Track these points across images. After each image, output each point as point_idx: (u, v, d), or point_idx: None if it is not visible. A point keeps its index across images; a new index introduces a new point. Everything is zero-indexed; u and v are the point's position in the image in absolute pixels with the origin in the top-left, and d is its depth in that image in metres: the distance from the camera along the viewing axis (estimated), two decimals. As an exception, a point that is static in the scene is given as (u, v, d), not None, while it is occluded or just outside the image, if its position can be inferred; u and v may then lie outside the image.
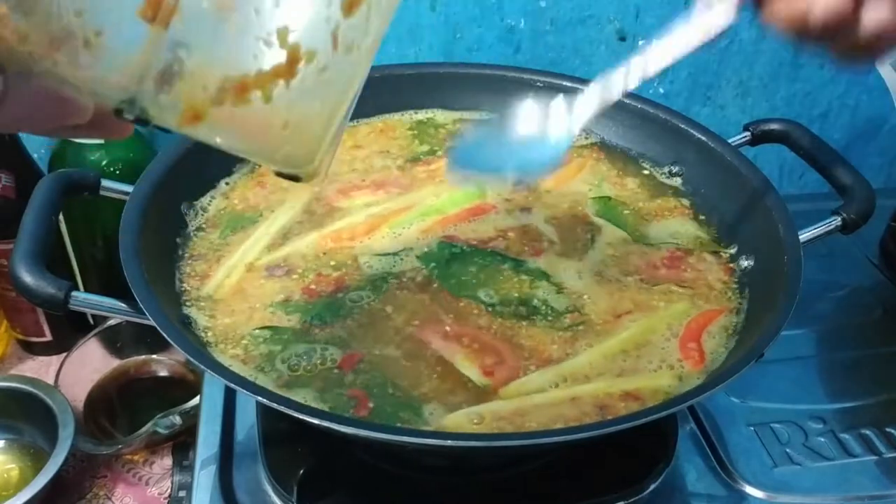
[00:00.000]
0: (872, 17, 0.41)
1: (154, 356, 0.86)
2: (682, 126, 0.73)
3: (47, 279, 0.50)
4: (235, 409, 0.67)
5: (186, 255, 0.63)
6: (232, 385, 0.48)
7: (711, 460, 0.65)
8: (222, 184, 0.70)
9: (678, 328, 0.59)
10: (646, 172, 0.74)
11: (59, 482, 0.72)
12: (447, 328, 0.58)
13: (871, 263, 0.89)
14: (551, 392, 0.54)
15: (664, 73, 0.97)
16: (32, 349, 0.89)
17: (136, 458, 0.79)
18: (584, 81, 0.77)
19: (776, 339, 0.52)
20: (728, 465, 0.65)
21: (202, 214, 0.67)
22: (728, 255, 0.65)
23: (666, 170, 0.74)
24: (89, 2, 0.29)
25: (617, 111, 0.76)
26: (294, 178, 0.35)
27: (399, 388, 0.54)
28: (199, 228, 0.66)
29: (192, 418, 0.73)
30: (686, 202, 0.71)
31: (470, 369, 0.55)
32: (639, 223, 0.68)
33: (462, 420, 0.52)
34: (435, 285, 0.61)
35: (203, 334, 0.57)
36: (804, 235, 0.61)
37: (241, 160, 0.72)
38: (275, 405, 0.46)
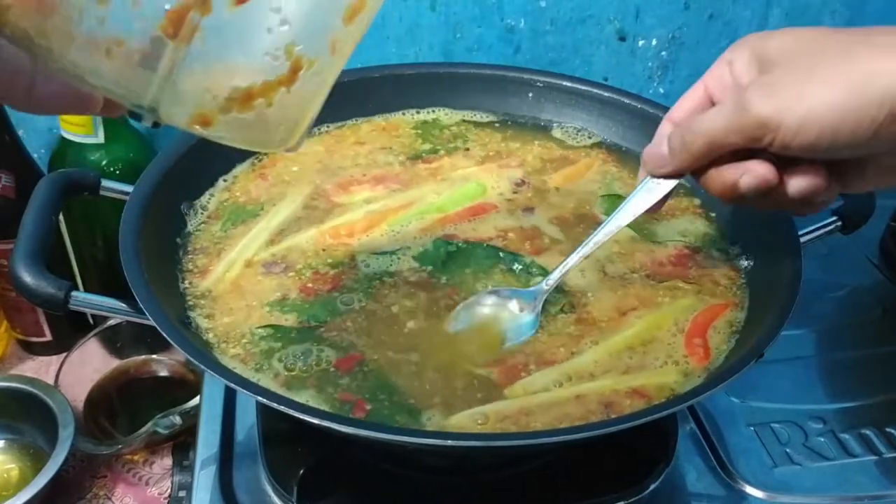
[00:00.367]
0: (796, 186, 0.45)
1: (154, 356, 0.86)
2: (683, 126, 0.73)
3: (47, 279, 0.50)
4: (235, 409, 0.67)
5: (189, 248, 0.63)
6: (232, 385, 0.48)
7: (711, 460, 0.65)
8: (221, 181, 0.70)
9: (684, 324, 0.59)
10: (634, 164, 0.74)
11: (59, 482, 0.72)
12: (443, 326, 0.58)
13: (871, 263, 0.89)
14: (556, 391, 0.54)
15: (664, 73, 0.97)
16: (32, 349, 0.89)
17: (136, 458, 0.79)
18: (585, 81, 0.78)
19: (776, 339, 0.52)
20: (728, 465, 0.65)
21: (202, 212, 0.67)
22: (734, 252, 0.65)
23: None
24: (111, 11, 0.30)
25: (617, 111, 0.76)
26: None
27: (397, 391, 0.54)
28: (201, 222, 0.66)
29: (192, 418, 0.73)
30: (697, 201, 0.70)
31: (474, 367, 0.55)
32: (647, 221, 0.68)
33: (466, 421, 0.52)
34: (432, 283, 0.61)
35: (203, 334, 0.57)
36: (804, 235, 0.61)
37: (240, 161, 0.72)
38: (275, 405, 0.46)
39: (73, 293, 0.51)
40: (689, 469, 0.64)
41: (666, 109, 0.74)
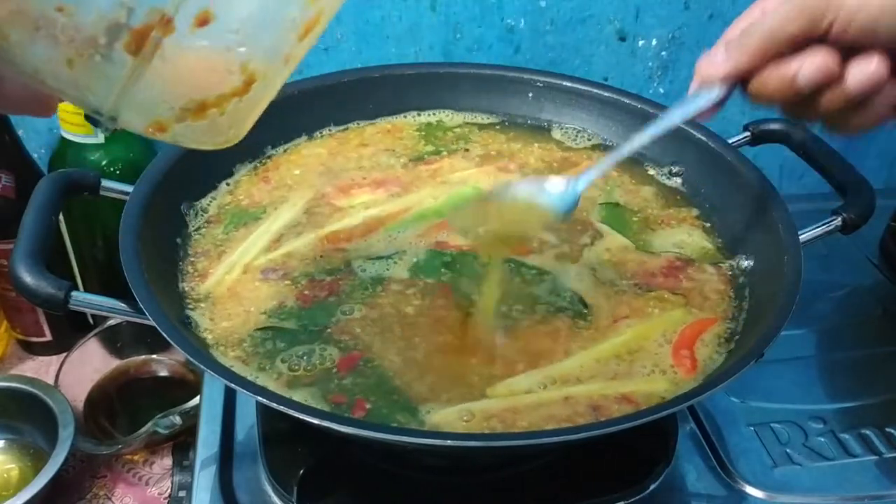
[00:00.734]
0: (857, 76, 0.43)
1: (154, 356, 0.86)
2: (682, 126, 0.72)
3: (47, 279, 0.50)
4: (235, 409, 0.67)
5: (189, 252, 0.63)
6: (232, 385, 0.48)
7: (711, 460, 0.65)
8: (223, 185, 0.70)
9: (672, 335, 0.59)
10: (651, 172, 0.74)
11: (59, 482, 0.72)
12: (437, 329, 0.58)
13: (871, 263, 0.89)
14: (541, 392, 0.54)
15: (664, 73, 0.97)
16: (32, 349, 0.89)
17: (136, 458, 0.79)
18: (585, 81, 0.78)
19: (776, 340, 0.52)
20: (728, 465, 0.65)
21: (203, 214, 0.67)
22: (729, 265, 0.65)
23: (666, 170, 0.74)
24: (75, 22, 0.31)
25: (617, 111, 0.76)
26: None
27: (395, 391, 0.54)
28: (202, 225, 0.66)
29: (192, 418, 0.73)
30: (696, 212, 0.70)
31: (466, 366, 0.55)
32: (644, 231, 0.68)
33: (453, 416, 0.52)
34: (427, 291, 0.61)
35: (204, 335, 0.57)
36: (804, 235, 0.61)
37: (241, 161, 0.72)
38: (275, 405, 0.46)
39: (73, 293, 0.51)
40: (689, 469, 0.64)
41: (666, 109, 0.75)
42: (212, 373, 0.48)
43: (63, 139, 0.78)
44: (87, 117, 0.36)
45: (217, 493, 0.61)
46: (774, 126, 0.72)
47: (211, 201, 0.68)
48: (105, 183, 0.62)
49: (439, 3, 0.88)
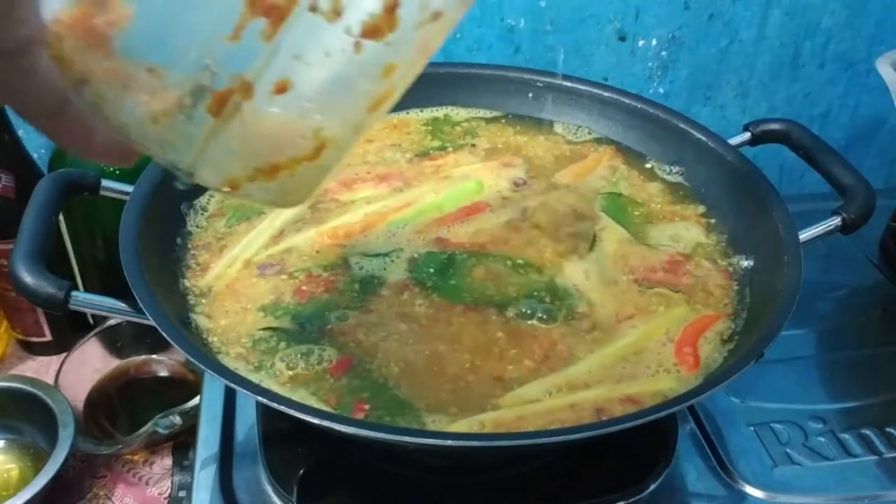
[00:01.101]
0: None
1: (154, 356, 0.86)
2: (683, 126, 0.73)
3: (47, 279, 0.50)
4: (235, 409, 0.67)
5: (190, 245, 0.63)
6: (232, 385, 0.48)
7: (711, 460, 0.65)
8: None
9: (675, 333, 0.58)
10: (648, 166, 0.74)
11: (59, 482, 0.72)
12: (438, 332, 0.57)
13: (871, 263, 0.89)
14: (549, 400, 0.53)
15: (664, 73, 0.97)
16: (32, 349, 0.89)
17: (136, 458, 0.79)
18: (585, 81, 0.78)
19: (776, 340, 0.52)
20: (728, 465, 0.65)
21: (203, 212, 0.67)
22: (728, 262, 0.65)
23: (666, 170, 0.74)
24: (163, 83, 0.33)
25: (617, 111, 0.77)
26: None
27: (393, 395, 0.54)
28: (205, 219, 0.66)
29: (192, 418, 0.73)
30: (702, 209, 0.70)
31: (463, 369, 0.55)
32: (643, 224, 0.68)
33: (463, 429, 0.51)
34: (425, 291, 0.61)
35: (205, 335, 0.56)
36: (804, 235, 0.61)
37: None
38: (275, 405, 0.46)
39: (73, 293, 0.51)
40: (689, 469, 0.64)
41: (666, 109, 0.75)
42: (212, 373, 0.48)
43: (63, 139, 0.78)
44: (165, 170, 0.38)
45: (217, 493, 0.61)
46: (774, 126, 0.72)
47: (210, 198, 0.68)
48: (105, 183, 0.62)
49: (439, 3, 0.88)
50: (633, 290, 0.62)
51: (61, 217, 0.81)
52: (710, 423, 0.68)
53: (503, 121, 0.79)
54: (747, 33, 0.96)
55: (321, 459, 0.61)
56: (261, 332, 0.57)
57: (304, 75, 0.34)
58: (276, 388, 0.53)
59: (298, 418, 0.46)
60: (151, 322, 0.50)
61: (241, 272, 0.62)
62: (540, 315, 0.59)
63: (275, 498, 0.60)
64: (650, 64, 0.97)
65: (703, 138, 0.71)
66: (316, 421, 0.46)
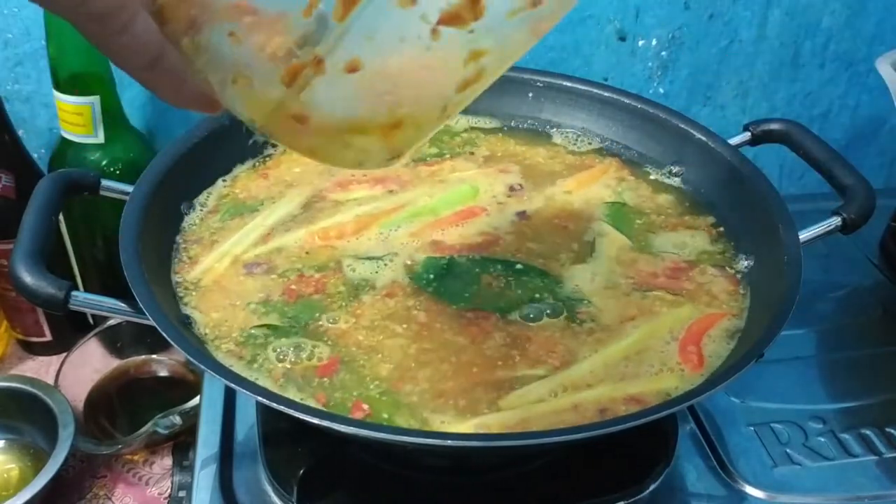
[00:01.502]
0: None
1: (154, 356, 0.86)
2: (682, 126, 0.73)
3: (47, 279, 0.50)
4: (235, 409, 0.67)
5: (182, 240, 0.63)
6: (232, 385, 0.48)
7: (711, 460, 0.65)
8: (219, 181, 0.70)
9: (679, 332, 0.58)
10: (652, 175, 0.74)
11: (59, 482, 0.72)
12: (431, 336, 0.57)
13: (871, 263, 0.89)
14: (552, 401, 0.53)
15: (664, 73, 0.97)
16: (32, 349, 0.89)
17: (136, 458, 0.79)
18: (585, 81, 0.78)
19: (776, 340, 0.52)
20: (728, 465, 0.65)
21: (201, 209, 0.67)
22: (730, 266, 0.64)
23: (666, 170, 0.74)
24: (244, 56, 0.35)
25: (617, 111, 0.76)
26: None
27: (392, 397, 0.53)
28: (202, 216, 0.66)
29: (192, 418, 0.73)
30: (711, 220, 0.69)
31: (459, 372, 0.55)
32: (646, 233, 0.68)
33: (468, 431, 0.51)
34: (424, 295, 0.60)
35: (202, 333, 0.56)
36: (804, 235, 0.61)
37: (241, 161, 0.72)
38: (275, 405, 0.46)
39: (73, 293, 0.51)
40: (689, 469, 0.64)
41: (666, 109, 0.75)
42: (212, 373, 0.48)
43: (63, 139, 0.78)
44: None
45: (217, 493, 0.61)
46: (774, 126, 0.72)
47: (208, 196, 0.68)
48: (105, 183, 0.62)
49: (439, 3, 0.88)
50: (633, 293, 0.62)
51: (61, 217, 0.81)
52: (710, 423, 0.68)
53: (501, 133, 0.79)
54: (747, 33, 0.96)
55: (321, 459, 0.61)
56: (252, 329, 0.57)
57: (376, 57, 0.34)
58: (270, 386, 0.53)
59: (298, 418, 0.46)
60: (151, 322, 0.50)
61: (229, 269, 0.62)
62: (540, 317, 0.59)
63: (275, 498, 0.60)
64: (650, 64, 0.97)
65: (704, 138, 0.71)
66: (316, 421, 0.46)
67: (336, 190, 0.70)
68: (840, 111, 1.05)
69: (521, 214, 0.69)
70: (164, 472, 0.78)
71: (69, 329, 0.87)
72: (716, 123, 0.99)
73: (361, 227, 0.66)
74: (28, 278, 0.50)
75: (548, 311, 0.59)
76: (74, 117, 0.76)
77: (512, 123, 0.79)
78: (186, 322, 0.57)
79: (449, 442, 0.47)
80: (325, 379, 0.54)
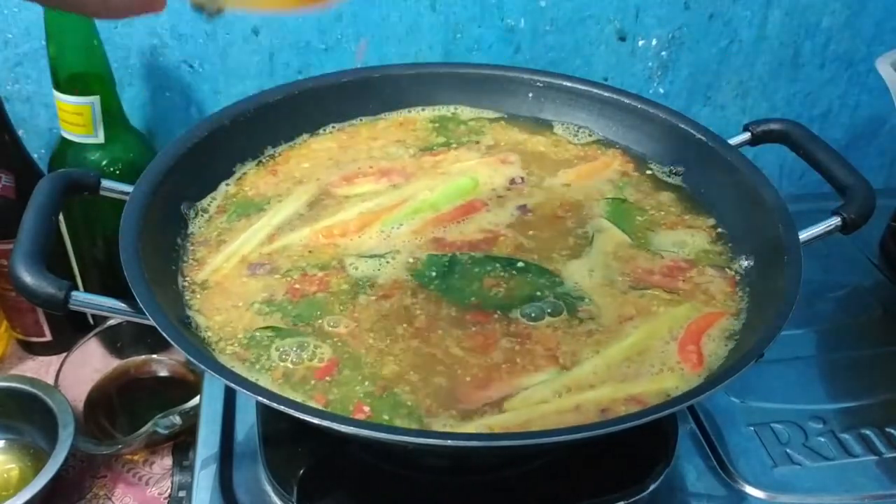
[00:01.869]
0: None
1: (154, 356, 0.86)
2: (683, 126, 0.73)
3: (47, 279, 0.50)
4: (235, 409, 0.67)
5: (190, 243, 0.63)
6: (232, 385, 0.48)
7: (711, 460, 0.65)
8: (223, 185, 0.69)
9: (678, 331, 0.58)
10: (656, 174, 0.74)
11: (59, 482, 0.72)
12: (434, 335, 0.57)
13: (871, 263, 0.89)
14: (556, 402, 0.53)
15: (664, 73, 0.97)
16: (32, 349, 0.89)
17: (136, 458, 0.79)
18: (585, 81, 0.78)
19: (776, 340, 0.52)
20: (728, 465, 0.65)
21: (203, 214, 0.67)
22: (730, 266, 0.64)
23: (666, 170, 0.74)
24: None
25: (617, 111, 0.76)
26: None
27: (394, 397, 0.53)
28: (209, 217, 0.66)
29: (192, 418, 0.73)
30: (711, 221, 0.68)
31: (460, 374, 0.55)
32: (646, 230, 0.68)
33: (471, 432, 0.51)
34: (427, 293, 0.60)
35: (202, 332, 0.56)
36: (804, 235, 0.61)
37: (241, 161, 0.72)
38: (275, 405, 0.46)
39: (73, 293, 0.51)
40: (689, 469, 0.64)
41: (666, 109, 0.75)
42: (212, 373, 0.48)
43: (63, 139, 0.78)
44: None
45: (217, 493, 0.61)
46: (774, 126, 0.72)
47: (211, 201, 0.68)
48: (105, 183, 0.62)
49: (439, 3, 0.88)
50: (630, 291, 0.62)
51: (61, 217, 0.81)
52: (710, 423, 0.68)
53: (504, 121, 0.79)
54: (747, 33, 0.96)
55: (321, 459, 0.61)
56: (256, 330, 0.57)
57: None
58: (271, 387, 0.53)
59: (298, 418, 0.46)
60: (151, 322, 0.50)
61: (233, 270, 0.62)
62: (542, 316, 0.59)
63: (275, 498, 0.60)
64: (650, 64, 0.97)
65: (704, 138, 0.71)
66: (316, 421, 0.46)
67: (342, 184, 0.70)
68: (840, 111, 1.05)
69: (522, 208, 0.69)
70: (164, 472, 0.78)
71: (69, 329, 0.87)
72: (716, 123, 1.00)
73: (364, 225, 0.66)
74: (28, 278, 0.50)
75: (549, 310, 0.59)
76: (74, 117, 0.76)
77: (510, 116, 0.79)
78: (186, 322, 0.57)
79: (449, 442, 0.47)
80: (328, 378, 0.54)
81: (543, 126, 0.78)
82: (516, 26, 0.91)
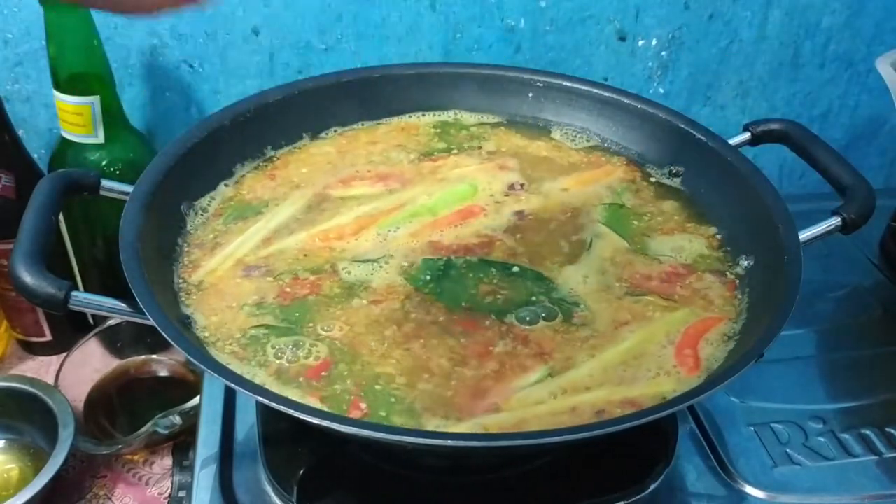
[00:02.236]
0: None
1: (154, 356, 0.86)
2: (682, 126, 0.73)
3: (47, 279, 0.50)
4: (235, 409, 0.67)
5: (186, 244, 0.63)
6: (232, 385, 0.48)
7: (711, 460, 0.65)
8: (222, 185, 0.69)
9: (675, 336, 0.58)
10: (652, 177, 0.73)
11: (59, 482, 0.72)
12: (435, 337, 0.57)
13: (871, 263, 0.89)
14: (551, 402, 0.53)
15: (664, 73, 0.97)
16: (32, 349, 0.89)
17: (136, 458, 0.79)
18: (585, 81, 0.78)
19: (776, 340, 0.52)
20: (728, 465, 0.65)
21: (203, 214, 0.67)
22: (729, 269, 0.64)
23: (666, 170, 0.74)
24: None
25: (617, 111, 0.76)
26: None
27: (390, 398, 0.53)
28: (206, 219, 0.66)
29: (192, 418, 0.73)
30: (713, 230, 0.68)
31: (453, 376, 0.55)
32: (643, 236, 0.67)
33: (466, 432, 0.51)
34: (420, 297, 0.60)
35: (200, 332, 0.56)
36: (804, 235, 0.61)
37: (241, 161, 0.72)
38: (275, 405, 0.46)
39: (73, 293, 0.51)
40: (689, 469, 0.64)
41: (666, 109, 0.75)
42: (212, 372, 0.48)
43: (63, 139, 0.78)
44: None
45: (217, 493, 0.61)
46: (774, 126, 0.72)
47: (210, 201, 0.68)
48: (105, 183, 0.62)
49: (439, 2, 0.88)
50: (626, 297, 0.61)
51: (61, 217, 0.81)
52: (710, 423, 0.68)
53: (504, 126, 0.79)
54: (747, 33, 0.96)
55: (321, 459, 0.61)
56: (252, 330, 0.57)
57: None
58: (271, 386, 0.53)
59: (298, 418, 0.46)
60: (151, 322, 0.50)
61: (228, 272, 0.62)
62: (536, 321, 0.59)
63: (275, 498, 0.60)
64: (650, 64, 0.97)
65: (704, 138, 0.71)
66: (316, 421, 0.46)
67: (339, 187, 0.70)
68: (840, 111, 1.05)
69: (519, 214, 0.69)
70: (164, 472, 0.78)
71: (69, 329, 0.87)
72: (716, 123, 1.00)
73: (361, 228, 0.66)
74: (28, 278, 0.50)
75: (543, 315, 0.59)
76: (74, 117, 0.76)
77: (510, 121, 0.79)
78: (186, 322, 0.57)
79: (449, 442, 0.47)
80: (323, 375, 0.54)
81: (543, 131, 0.78)
82: (516, 26, 0.91)
